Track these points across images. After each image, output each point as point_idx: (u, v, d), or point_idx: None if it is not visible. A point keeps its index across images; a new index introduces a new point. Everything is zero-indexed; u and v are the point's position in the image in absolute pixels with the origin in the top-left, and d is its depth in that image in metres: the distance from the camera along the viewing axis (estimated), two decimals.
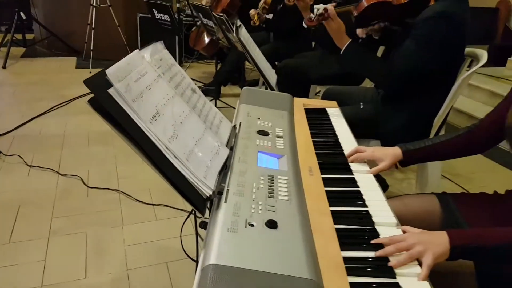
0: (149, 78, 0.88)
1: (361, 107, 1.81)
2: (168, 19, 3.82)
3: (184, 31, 4.48)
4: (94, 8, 4.17)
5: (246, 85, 3.89)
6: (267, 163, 0.99)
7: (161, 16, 3.88)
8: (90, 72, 4.13)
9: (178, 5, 3.73)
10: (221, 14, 2.58)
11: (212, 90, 3.73)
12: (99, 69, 0.76)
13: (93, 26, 4.16)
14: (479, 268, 0.89)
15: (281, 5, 3.22)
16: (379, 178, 2.02)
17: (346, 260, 0.73)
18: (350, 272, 0.70)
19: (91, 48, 4.17)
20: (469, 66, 1.75)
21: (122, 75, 0.78)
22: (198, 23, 3.80)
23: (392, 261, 0.75)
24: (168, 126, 0.83)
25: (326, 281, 0.66)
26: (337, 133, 1.34)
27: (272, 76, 1.91)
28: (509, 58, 4.09)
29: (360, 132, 1.78)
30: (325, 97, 2.14)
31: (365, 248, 0.78)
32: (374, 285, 0.68)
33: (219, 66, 4.07)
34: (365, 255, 0.76)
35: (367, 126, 1.76)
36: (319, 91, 2.98)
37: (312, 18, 1.71)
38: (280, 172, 0.96)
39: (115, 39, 4.46)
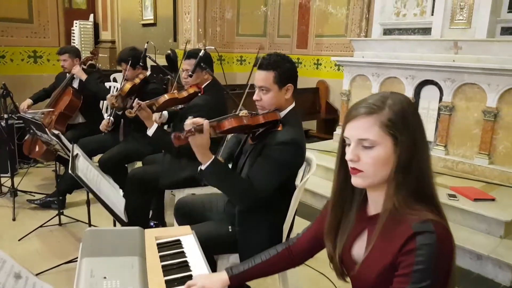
0: None
1: (230, 230, 1.81)
2: None
3: (17, 141, 4.04)
4: None
5: None
6: None
7: None
8: None
9: (6, 115, 3.36)
10: (56, 132, 2.40)
11: (54, 202, 3.35)
12: None
13: None
14: None
15: (132, 100, 3.18)
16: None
17: None
18: None
19: None
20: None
21: None
22: (32, 131, 3.47)
23: None
24: None
25: None
26: (193, 276, 1.30)
27: (119, 203, 1.80)
28: (335, 132, 4.73)
29: (217, 249, 1.81)
30: (178, 210, 2.12)
31: None
32: None
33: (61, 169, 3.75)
34: None
35: (221, 242, 1.78)
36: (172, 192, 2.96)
37: (182, 137, 1.55)
38: None
39: None
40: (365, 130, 0.96)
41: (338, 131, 4.66)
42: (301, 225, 2.42)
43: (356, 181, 1.00)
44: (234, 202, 1.77)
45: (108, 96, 3.03)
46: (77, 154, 1.78)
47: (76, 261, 2.49)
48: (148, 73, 3.28)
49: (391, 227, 0.95)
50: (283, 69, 1.72)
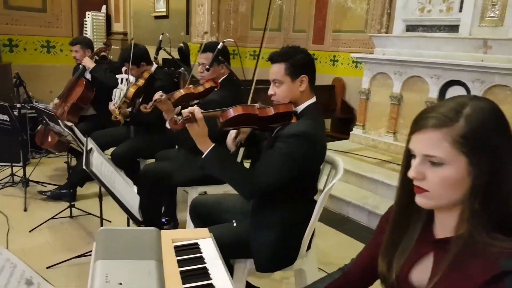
0: None
1: (234, 224, 1.75)
2: (8, 119, 3.35)
3: (29, 131, 3.98)
4: None
5: None
6: None
7: None
8: None
9: (19, 105, 3.29)
10: (70, 124, 2.32)
11: (66, 194, 3.29)
12: None
13: None
14: None
15: (140, 100, 3.10)
16: None
17: None
18: None
19: None
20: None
21: None
22: (44, 121, 3.40)
23: None
24: None
25: None
26: (214, 285, 1.20)
27: (133, 200, 1.72)
28: (351, 132, 4.60)
29: (235, 253, 1.71)
30: (193, 210, 2.03)
31: None
32: None
33: (73, 160, 3.68)
34: None
35: (240, 246, 1.69)
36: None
37: (178, 121, 1.62)
38: None
39: None
40: (432, 146, 0.81)
41: (355, 131, 4.52)
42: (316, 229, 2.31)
43: (420, 200, 0.86)
44: (236, 191, 1.71)
45: (111, 107, 2.91)
46: (91, 149, 1.69)
47: (87, 255, 2.46)
48: (154, 67, 3.17)
49: (467, 258, 0.81)
50: (294, 59, 1.65)
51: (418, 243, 0.93)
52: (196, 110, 1.60)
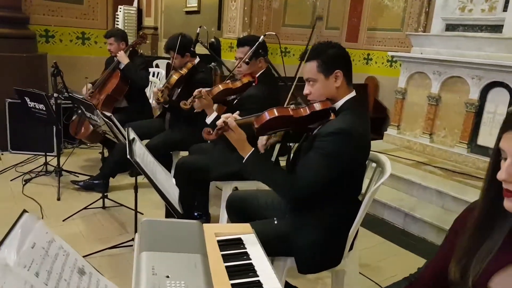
0: None
1: (275, 222, 1.70)
2: (44, 108, 3.40)
3: (64, 120, 4.05)
4: None
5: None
6: None
7: (34, 105, 3.44)
8: None
9: (56, 94, 3.33)
10: (109, 115, 2.33)
11: (98, 184, 3.32)
12: None
13: None
14: None
15: (179, 90, 3.11)
16: None
17: None
18: None
19: None
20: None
21: None
22: (79, 111, 3.44)
23: None
24: None
25: None
26: (261, 282, 1.16)
27: (173, 192, 1.70)
28: (385, 132, 4.49)
29: (276, 251, 1.67)
30: (230, 205, 2.01)
31: None
32: None
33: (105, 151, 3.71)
34: None
35: (281, 244, 1.64)
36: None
37: (211, 132, 1.64)
38: None
39: None
40: None
41: (389, 131, 4.41)
42: None
43: (509, 205, 0.80)
44: (278, 194, 1.70)
45: (154, 90, 2.95)
46: (133, 138, 1.68)
47: (120, 246, 2.46)
48: (197, 60, 3.16)
49: None
50: (326, 55, 1.61)
51: (501, 250, 0.86)
52: (230, 120, 1.62)
